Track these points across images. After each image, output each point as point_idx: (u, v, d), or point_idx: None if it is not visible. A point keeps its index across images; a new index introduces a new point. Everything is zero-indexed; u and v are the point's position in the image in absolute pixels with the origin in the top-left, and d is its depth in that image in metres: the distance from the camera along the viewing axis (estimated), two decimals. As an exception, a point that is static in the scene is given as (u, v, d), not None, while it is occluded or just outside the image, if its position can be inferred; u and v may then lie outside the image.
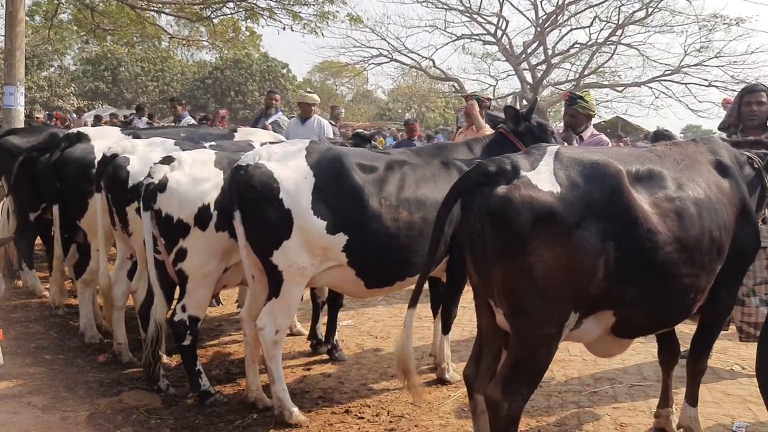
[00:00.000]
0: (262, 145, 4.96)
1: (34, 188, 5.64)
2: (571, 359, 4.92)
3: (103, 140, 4.85)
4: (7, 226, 5.89)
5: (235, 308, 6.06)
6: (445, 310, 4.41)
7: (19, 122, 9.27)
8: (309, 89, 14.48)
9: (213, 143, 4.89)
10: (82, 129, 5.25)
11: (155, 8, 14.25)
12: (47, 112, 21.73)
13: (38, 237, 6.59)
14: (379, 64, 30.80)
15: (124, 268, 4.77)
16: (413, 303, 2.94)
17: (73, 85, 33.98)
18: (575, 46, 28.84)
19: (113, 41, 30.50)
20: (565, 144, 4.55)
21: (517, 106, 6.27)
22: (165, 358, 4.58)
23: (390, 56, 30.01)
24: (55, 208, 5.09)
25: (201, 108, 34.31)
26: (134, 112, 15.97)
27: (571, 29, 28.64)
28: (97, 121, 16.35)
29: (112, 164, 4.35)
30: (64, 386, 4.20)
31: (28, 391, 4.08)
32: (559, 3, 27.03)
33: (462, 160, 4.15)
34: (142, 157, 4.36)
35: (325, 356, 4.96)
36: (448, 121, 41.44)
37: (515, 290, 2.73)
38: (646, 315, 2.96)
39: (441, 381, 4.45)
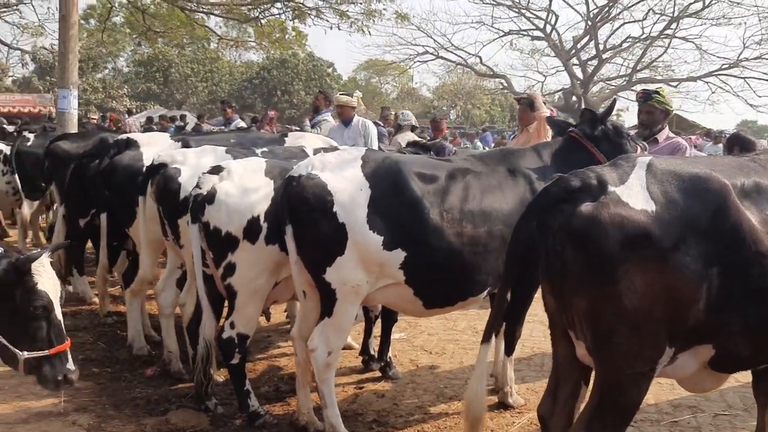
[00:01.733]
0: (314, 150, 4.77)
1: (85, 194, 5.58)
2: (645, 383, 4.52)
3: (153, 147, 4.71)
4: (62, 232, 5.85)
5: (284, 318, 5.86)
6: (508, 329, 4.08)
7: (73, 125, 9.31)
8: (345, 91, 14.13)
9: (264, 149, 4.70)
10: (131, 135, 5.14)
11: (204, 10, 14.32)
12: (101, 114, 22.21)
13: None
14: (425, 61, 30.59)
15: (173, 277, 4.63)
16: (488, 337, 2.61)
17: (125, 87, 34.80)
18: (628, 40, 27.88)
19: (164, 43, 31.07)
20: (646, 145, 4.17)
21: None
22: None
23: (436, 53, 29.72)
24: (103, 216, 5.00)
25: (248, 108, 34.67)
26: (187, 115, 16.10)
27: (624, 23, 27.75)
28: (149, 122, 16.52)
29: (163, 175, 4.20)
30: (111, 404, 4.07)
31: (74, 409, 3.96)
32: (612, -4, 26.14)
33: (531, 168, 3.82)
34: (193, 166, 4.19)
35: (378, 373, 4.71)
36: (494, 118, 40.75)
37: (601, 321, 2.42)
38: (751, 348, 2.58)
39: (503, 405, 4.14)
